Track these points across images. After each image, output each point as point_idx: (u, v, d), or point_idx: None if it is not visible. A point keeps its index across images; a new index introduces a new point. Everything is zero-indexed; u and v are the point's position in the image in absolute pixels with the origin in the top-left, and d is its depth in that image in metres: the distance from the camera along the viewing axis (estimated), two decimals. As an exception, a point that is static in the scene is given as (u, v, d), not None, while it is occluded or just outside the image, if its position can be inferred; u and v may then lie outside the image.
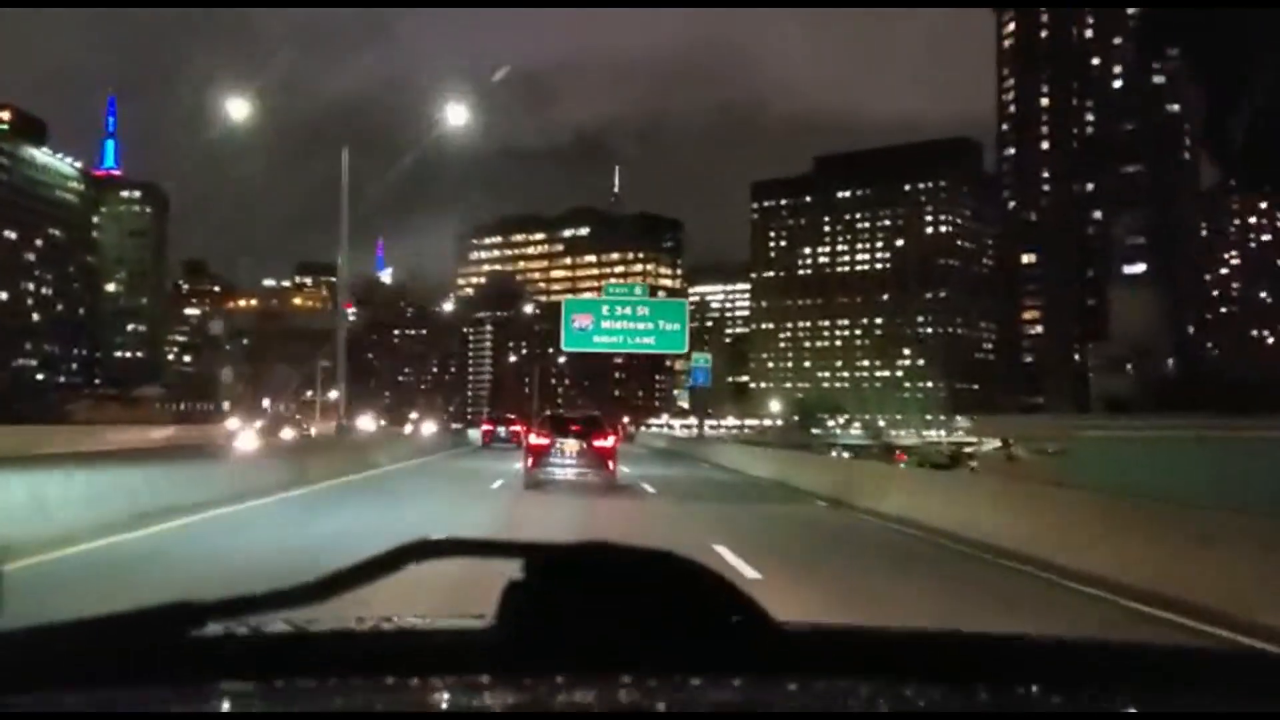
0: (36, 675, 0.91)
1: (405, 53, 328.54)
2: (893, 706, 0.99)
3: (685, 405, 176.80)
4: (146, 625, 0.97)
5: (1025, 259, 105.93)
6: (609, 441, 18.19)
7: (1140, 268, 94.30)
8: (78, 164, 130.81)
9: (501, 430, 40.81)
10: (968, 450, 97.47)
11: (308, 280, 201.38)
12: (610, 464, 17.90)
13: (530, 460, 17.94)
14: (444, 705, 0.93)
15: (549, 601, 0.95)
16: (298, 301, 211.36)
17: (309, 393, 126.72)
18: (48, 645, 0.97)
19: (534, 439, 18.19)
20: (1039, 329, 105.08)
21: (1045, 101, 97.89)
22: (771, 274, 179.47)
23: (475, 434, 47.00)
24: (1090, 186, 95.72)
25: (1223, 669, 1.15)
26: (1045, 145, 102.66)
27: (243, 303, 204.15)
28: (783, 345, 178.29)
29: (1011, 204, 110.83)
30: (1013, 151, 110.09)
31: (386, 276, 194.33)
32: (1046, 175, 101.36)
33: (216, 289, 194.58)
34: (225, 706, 0.92)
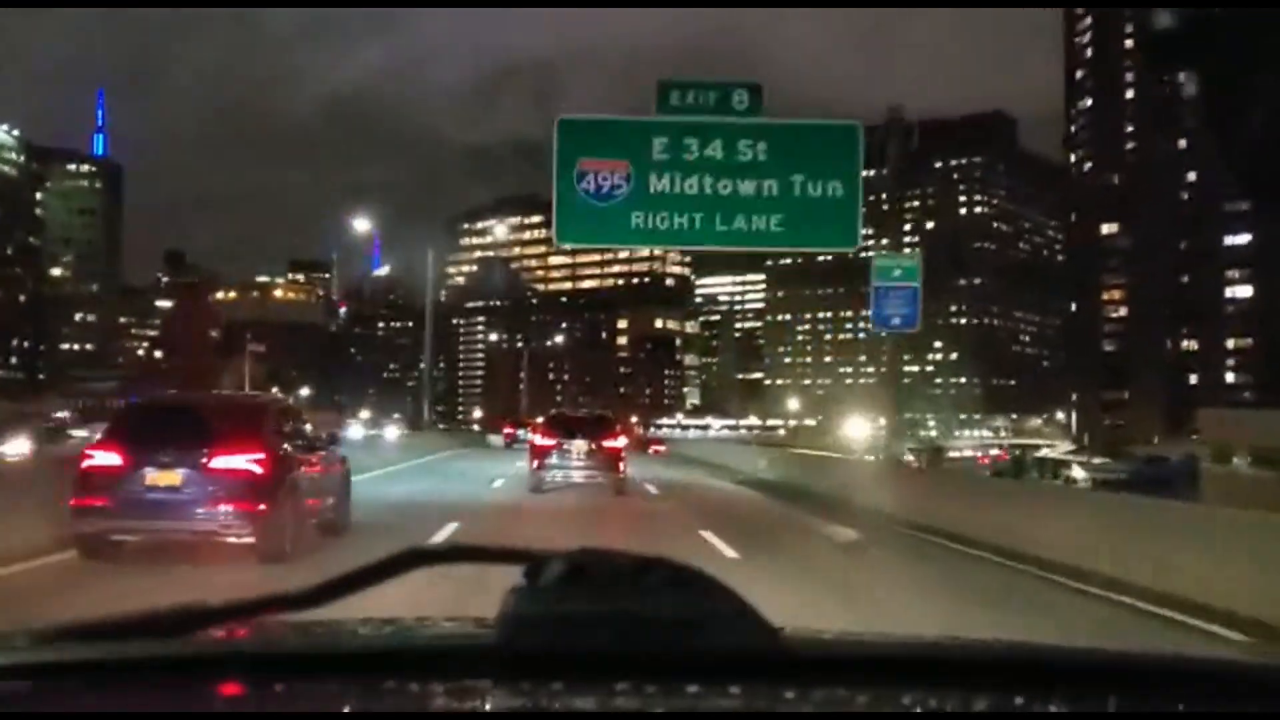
0: (40, 677, 0.90)
1: (410, 45, 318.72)
2: (892, 713, 0.98)
3: (697, 403, 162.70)
4: (149, 628, 0.96)
5: (1105, 229, 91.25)
6: (619, 442, 17.44)
7: (1245, 238, 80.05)
8: (15, 131, 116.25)
9: (522, 433, 44.55)
10: (1041, 455, 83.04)
11: (300, 277, 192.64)
12: (620, 465, 17.17)
13: (535, 461, 17.39)
14: (445, 710, 0.93)
15: (550, 607, 0.94)
16: (278, 294, 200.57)
17: (274, 388, 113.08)
18: (51, 647, 0.97)
19: (539, 439, 17.65)
20: (1122, 311, 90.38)
21: (1129, 43, 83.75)
22: (788, 260, 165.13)
23: (496, 439, 52.61)
24: (1183, 143, 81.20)
25: (1225, 678, 1.11)
26: (1129, 95, 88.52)
27: (221, 295, 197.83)
28: (801, 338, 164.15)
29: (1088, 166, 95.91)
30: (1089, 103, 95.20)
31: (382, 274, 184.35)
32: (1131, 130, 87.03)
33: (196, 281, 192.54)
34: (227, 709, 0.92)
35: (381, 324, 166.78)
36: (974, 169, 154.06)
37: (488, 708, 0.94)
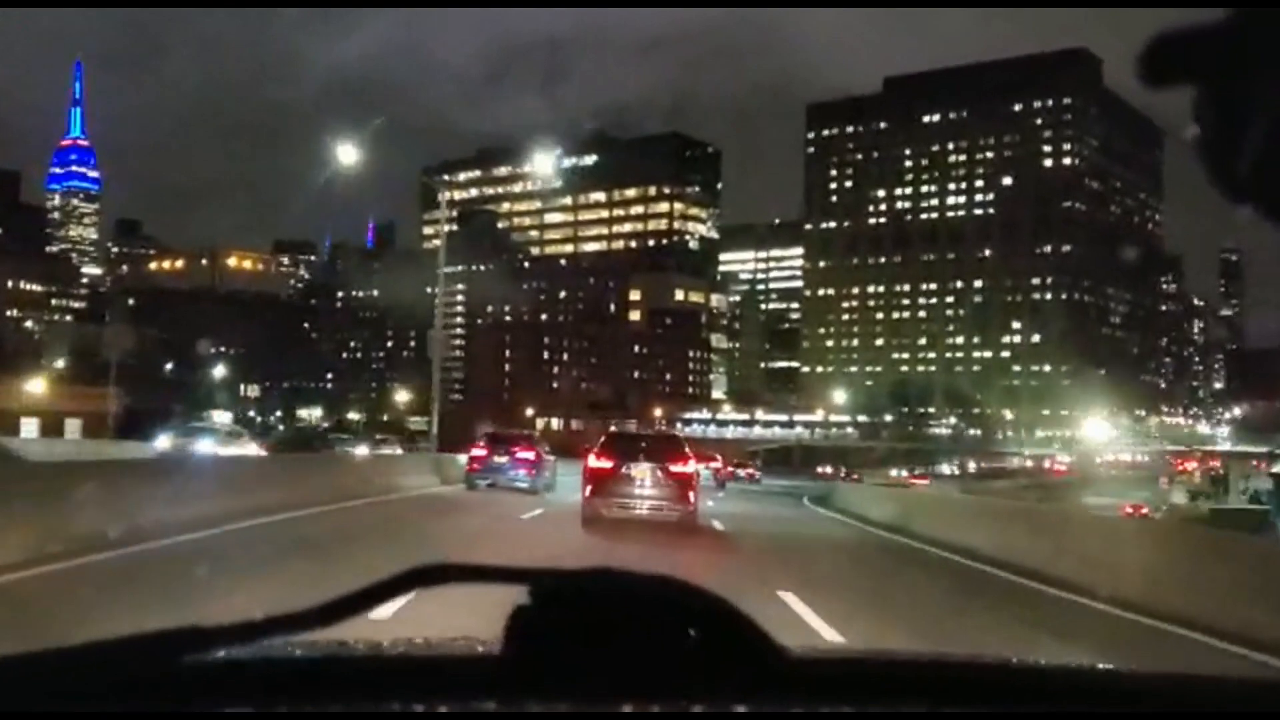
0: (42, 699, 0.89)
1: (417, 25, 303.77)
2: None
3: (724, 392, 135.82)
4: (152, 649, 0.97)
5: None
6: (689, 467, 15.31)
7: None
8: None
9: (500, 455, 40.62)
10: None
11: (284, 258, 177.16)
12: (691, 495, 14.95)
13: (590, 488, 14.99)
14: None
15: (555, 627, 0.94)
16: (232, 263, 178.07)
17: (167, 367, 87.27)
18: (52, 669, 0.96)
19: (594, 462, 15.20)
20: None
21: None
22: (832, 224, 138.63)
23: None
24: None
25: (1230, 698, 1.12)
26: None
27: (167, 264, 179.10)
28: (846, 318, 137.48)
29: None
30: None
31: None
32: None
33: (150, 251, 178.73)
34: None
35: (341, 292, 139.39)
36: (1062, 110, 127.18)
37: None
